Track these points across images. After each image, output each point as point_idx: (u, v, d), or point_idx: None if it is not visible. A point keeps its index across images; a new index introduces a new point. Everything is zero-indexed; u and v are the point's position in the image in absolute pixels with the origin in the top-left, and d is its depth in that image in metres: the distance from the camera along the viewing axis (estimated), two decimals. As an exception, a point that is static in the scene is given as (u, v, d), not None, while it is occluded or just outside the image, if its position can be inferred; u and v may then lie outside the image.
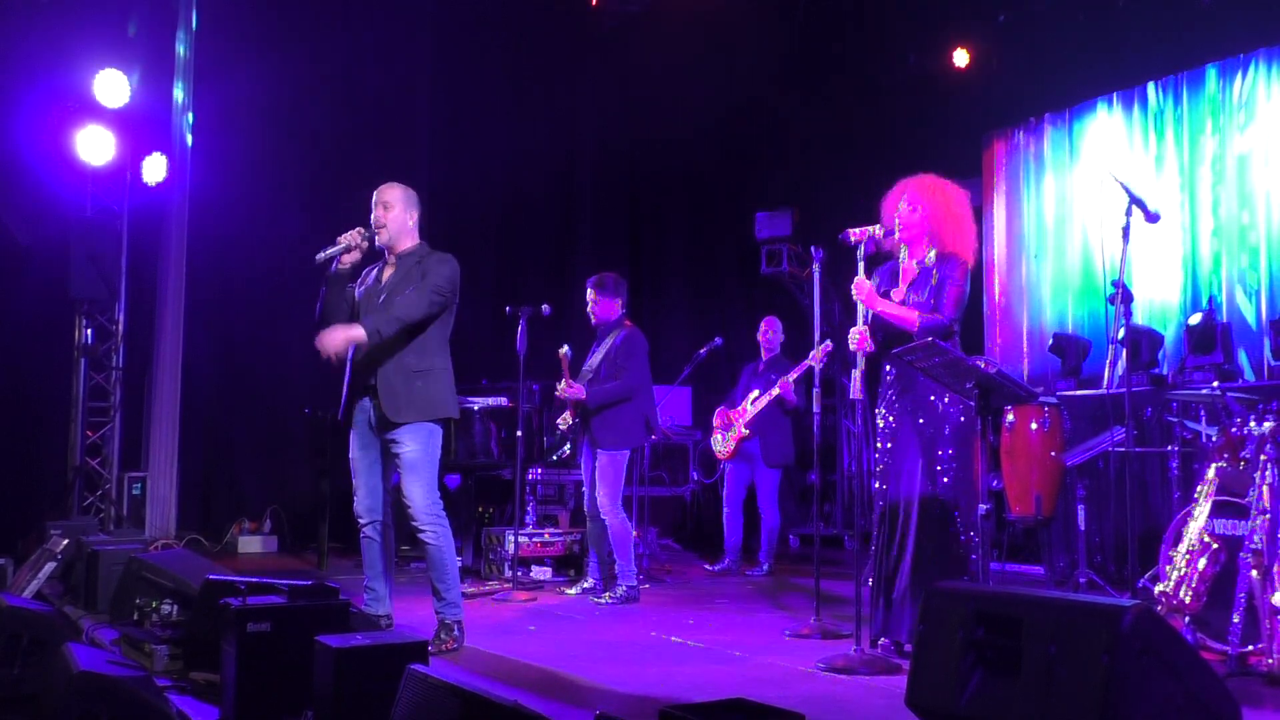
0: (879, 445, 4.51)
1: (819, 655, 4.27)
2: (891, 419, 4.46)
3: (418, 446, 4.44)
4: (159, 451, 8.23)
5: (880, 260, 4.67)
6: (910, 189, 4.49)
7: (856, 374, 4.36)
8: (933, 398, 4.34)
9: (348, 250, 4.52)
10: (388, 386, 4.43)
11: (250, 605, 3.37)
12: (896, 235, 4.48)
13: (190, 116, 8.44)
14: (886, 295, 4.51)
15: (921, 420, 4.36)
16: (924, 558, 4.27)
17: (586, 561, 6.38)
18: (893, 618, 4.32)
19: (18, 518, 7.35)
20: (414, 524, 4.46)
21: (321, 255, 4.53)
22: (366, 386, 4.50)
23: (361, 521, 4.59)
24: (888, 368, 4.51)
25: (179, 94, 8.39)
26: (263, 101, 9.02)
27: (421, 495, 4.44)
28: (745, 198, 10.24)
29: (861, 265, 4.37)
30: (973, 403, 4.32)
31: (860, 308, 4.39)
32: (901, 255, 4.56)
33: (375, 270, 4.69)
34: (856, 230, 4.37)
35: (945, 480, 4.28)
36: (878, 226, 4.42)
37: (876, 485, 4.50)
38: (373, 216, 4.58)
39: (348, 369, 4.56)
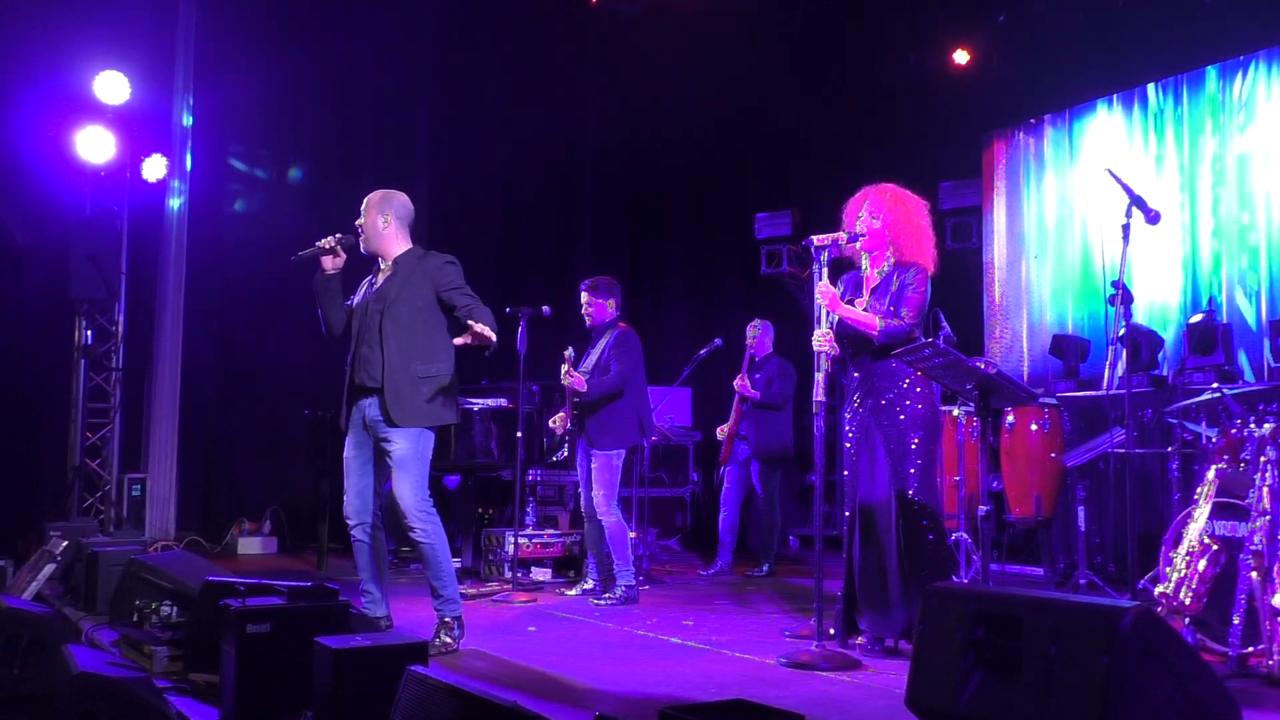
0: (847, 447, 4.58)
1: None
2: (856, 425, 4.53)
3: (408, 445, 4.45)
4: (159, 452, 8.23)
5: (843, 267, 4.73)
6: (872, 198, 4.56)
7: (820, 377, 4.39)
8: (895, 402, 4.42)
9: (324, 254, 4.57)
10: (394, 390, 4.43)
11: (250, 606, 3.37)
12: (858, 244, 4.54)
13: (190, 116, 8.44)
14: (851, 303, 4.56)
15: (885, 424, 4.42)
16: (903, 557, 4.32)
17: (586, 563, 6.38)
18: (884, 619, 4.38)
19: (18, 518, 7.35)
20: (405, 522, 4.46)
21: (296, 257, 4.60)
22: (367, 389, 4.50)
23: (351, 523, 4.60)
24: (854, 373, 4.58)
25: (179, 94, 8.39)
26: (263, 101, 9.03)
27: (411, 493, 4.44)
28: (745, 198, 10.24)
29: (825, 270, 4.41)
30: (935, 400, 4.44)
31: (823, 312, 4.43)
32: (863, 264, 4.62)
33: (371, 277, 4.71)
34: (821, 236, 4.42)
35: (912, 482, 4.34)
36: (843, 233, 4.48)
37: (847, 489, 4.58)
38: (356, 224, 4.66)
39: (347, 371, 4.58)
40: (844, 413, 4.63)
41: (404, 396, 4.42)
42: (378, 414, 4.47)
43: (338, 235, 4.60)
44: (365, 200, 4.66)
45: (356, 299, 4.68)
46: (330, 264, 4.60)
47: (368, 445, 4.56)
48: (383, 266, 4.64)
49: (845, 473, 4.60)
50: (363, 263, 4.77)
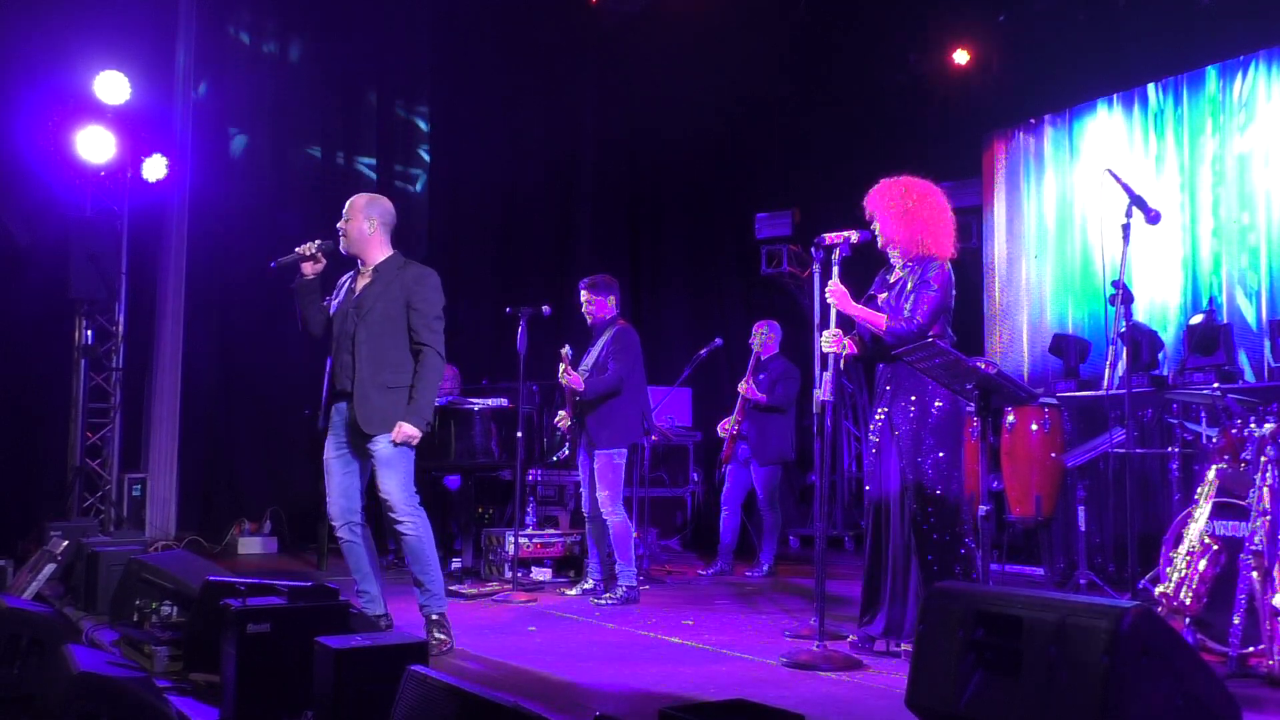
0: (873, 441, 4.55)
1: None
2: (882, 423, 4.50)
3: (391, 442, 4.46)
4: (159, 452, 8.22)
5: (880, 264, 4.71)
6: (869, 199, 4.55)
7: (826, 376, 4.38)
8: (916, 399, 4.39)
9: (304, 260, 4.59)
10: (364, 400, 4.45)
11: (250, 606, 3.38)
12: (878, 243, 4.53)
13: (190, 116, 8.43)
14: (872, 299, 4.54)
15: (901, 421, 4.40)
16: (913, 558, 4.31)
17: (586, 562, 6.38)
18: (879, 615, 4.37)
19: (18, 518, 7.35)
20: (391, 516, 4.48)
21: (276, 264, 4.62)
22: (344, 393, 4.52)
23: (336, 525, 4.59)
24: (883, 372, 4.56)
25: (179, 94, 8.39)
26: (263, 101, 9.03)
27: (398, 489, 4.46)
28: (745, 198, 10.23)
29: (836, 269, 4.41)
30: (960, 403, 4.40)
31: (833, 311, 4.42)
32: (893, 260, 4.60)
33: (349, 280, 4.72)
34: (831, 235, 4.40)
35: (925, 479, 4.32)
36: (853, 232, 4.44)
37: (867, 486, 4.57)
38: (338, 226, 4.67)
39: (326, 376, 4.63)
40: (875, 411, 4.58)
41: (375, 406, 4.45)
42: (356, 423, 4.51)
43: (318, 241, 4.62)
44: (349, 203, 4.66)
45: (336, 301, 4.70)
46: (310, 269, 4.63)
47: (348, 446, 4.58)
48: (362, 271, 4.65)
49: (869, 469, 4.58)
50: (344, 260, 4.77)
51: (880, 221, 4.48)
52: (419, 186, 9.68)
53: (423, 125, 9.84)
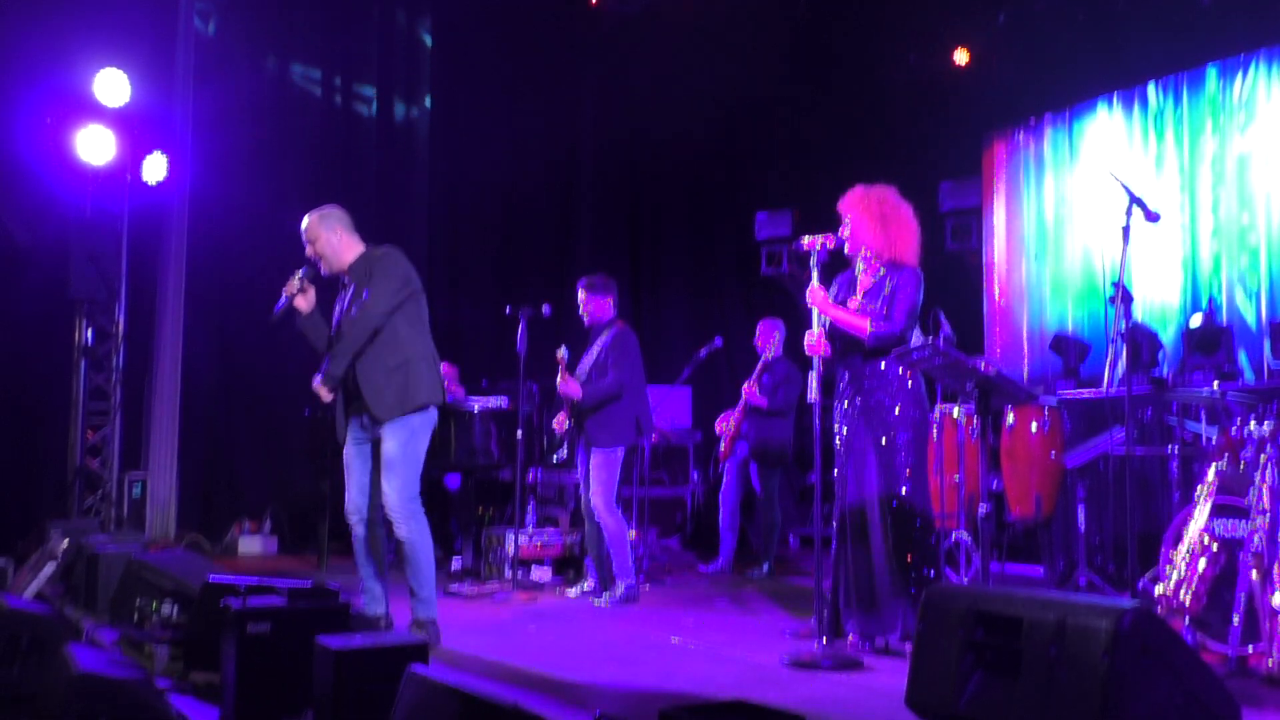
0: (837, 446, 4.58)
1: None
2: (846, 426, 4.53)
3: (399, 444, 4.51)
4: (159, 452, 8.22)
5: (842, 266, 4.75)
6: (841, 206, 4.59)
7: (813, 376, 4.42)
8: (886, 403, 4.42)
9: (295, 296, 4.68)
10: (370, 385, 4.52)
11: (250, 606, 3.38)
12: (846, 250, 4.57)
13: (190, 116, 8.44)
14: (843, 303, 4.57)
15: (875, 424, 4.42)
16: (892, 557, 4.32)
17: (585, 562, 6.38)
18: (874, 619, 4.36)
19: (18, 518, 7.35)
20: (390, 516, 4.52)
21: (275, 316, 4.71)
22: (357, 394, 4.58)
23: (351, 520, 4.66)
24: (844, 373, 4.57)
25: (179, 94, 8.38)
26: (263, 101, 9.03)
27: (398, 491, 4.50)
28: (745, 198, 10.24)
29: (815, 272, 4.45)
30: (926, 405, 4.48)
31: (815, 313, 4.44)
32: (857, 265, 4.63)
33: (340, 294, 4.81)
34: (809, 238, 4.44)
35: (904, 483, 4.34)
36: (830, 236, 4.48)
37: (836, 490, 4.58)
38: (307, 255, 4.72)
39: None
40: (835, 412, 4.63)
41: (383, 391, 4.52)
42: (369, 414, 4.56)
43: (298, 273, 4.69)
44: (306, 229, 4.70)
45: (336, 317, 4.78)
46: (304, 304, 4.72)
47: (367, 442, 4.65)
48: (345, 280, 4.74)
49: (836, 473, 4.60)
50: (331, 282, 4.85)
51: (854, 226, 4.53)
52: (418, 186, 9.69)
53: (422, 124, 9.83)
